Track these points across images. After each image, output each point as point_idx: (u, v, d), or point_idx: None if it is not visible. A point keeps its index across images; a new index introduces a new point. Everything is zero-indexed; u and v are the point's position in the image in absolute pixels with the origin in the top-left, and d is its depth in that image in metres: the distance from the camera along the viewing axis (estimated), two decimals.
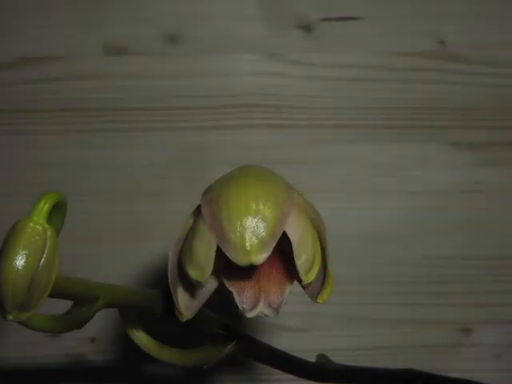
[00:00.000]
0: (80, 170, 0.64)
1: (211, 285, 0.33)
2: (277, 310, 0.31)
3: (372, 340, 0.66)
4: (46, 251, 0.30)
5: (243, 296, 0.31)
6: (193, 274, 0.30)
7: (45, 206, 0.30)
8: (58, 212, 0.32)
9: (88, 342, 0.66)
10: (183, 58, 0.64)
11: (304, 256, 0.30)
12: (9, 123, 0.64)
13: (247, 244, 0.29)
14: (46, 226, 0.30)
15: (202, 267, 0.30)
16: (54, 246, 0.30)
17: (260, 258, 0.29)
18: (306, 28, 0.64)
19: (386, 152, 0.65)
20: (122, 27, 0.64)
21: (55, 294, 0.32)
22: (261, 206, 0.29)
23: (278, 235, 0.29)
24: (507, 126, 0.65)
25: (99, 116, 0.64)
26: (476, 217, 0.66)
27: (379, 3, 0.64)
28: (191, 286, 0.32)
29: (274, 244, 0.29)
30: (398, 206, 0.66)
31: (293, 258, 0.30)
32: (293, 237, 0.30)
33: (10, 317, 0.30)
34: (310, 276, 0.30)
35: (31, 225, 0.30)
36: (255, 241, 0.29)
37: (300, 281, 0.31)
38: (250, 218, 0.29)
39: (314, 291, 0.32)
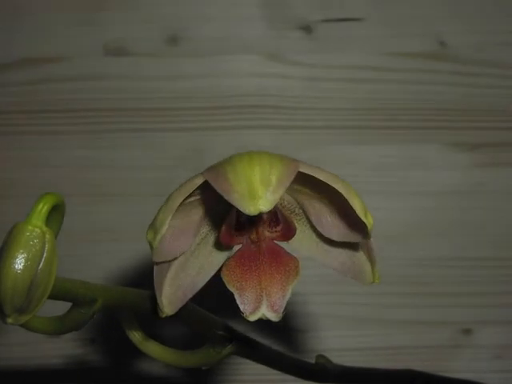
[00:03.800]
0: (80, 170, 0.64)
1: (200, 282, 0.33)
2: (279, 313, 0.30)
3: (372, 340, 0.66)
4: (44, 254, 0.30)
5: (244, 297, 0.30)
6: (148, 236, 0.30)
7: (43, 209, 0.30)
8: (56, 213, 0.32)
9: (88, 342, 0.66)
10: (183, 59, 0.64)
11: (355, 199, 0.31)
12: (9, 124, 0.64)
13: (255, 190, 0.28)
14: (45, 228, 0.30)
15: (156, 229, 0.30)
16: (53, 249, 0.30)
17: (268, 203, 0.28)
18: (306, 29, 0.64)
19: (387, 153, 0.65)
20: (122, 27, 0.64)
21: (54, 295, 0.32)
22: (266, 164, 0.29)
23: (287, 183, 0.28)
24: (507, 126, 0.65)
25: (99, 116, 0.64)
26: (476, 217, 0.66)
27: (379, 4, 0.64)
28: (177, 280, 0.32)
29: (281, 191, 0.28)
30: (398, 207, 0.65)
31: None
32: (336, 185, 0.30)
33: (9, 320, 0.30)
34: (369, 218, 0.31)
35: (30, 228, 0.30)
36: (262, 186, 0.28)
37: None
38: (256, 168, 0.29)
39: (360, 271, 0.35)
